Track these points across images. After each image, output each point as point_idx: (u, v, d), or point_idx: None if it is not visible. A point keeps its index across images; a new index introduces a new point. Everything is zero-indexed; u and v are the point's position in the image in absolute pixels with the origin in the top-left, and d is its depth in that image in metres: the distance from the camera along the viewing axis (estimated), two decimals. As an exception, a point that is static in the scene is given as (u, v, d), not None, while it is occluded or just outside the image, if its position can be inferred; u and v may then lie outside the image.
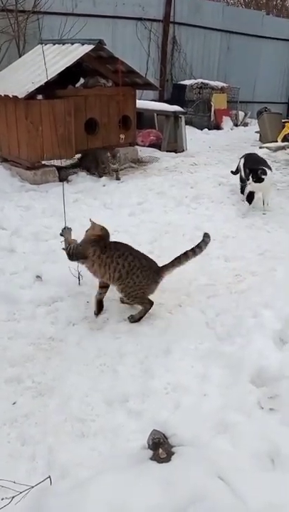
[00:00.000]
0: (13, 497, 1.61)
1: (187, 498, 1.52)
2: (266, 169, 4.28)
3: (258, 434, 1.84)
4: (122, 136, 5.83)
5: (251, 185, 4.27)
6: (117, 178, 5.37)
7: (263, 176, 4.22)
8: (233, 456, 1.76)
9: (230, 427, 1.90)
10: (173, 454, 1.76)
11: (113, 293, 2.97)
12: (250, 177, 4.23)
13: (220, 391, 2.13)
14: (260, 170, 4.23)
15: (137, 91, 6.10)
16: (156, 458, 1.74)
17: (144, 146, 6.97)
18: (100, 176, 5.39)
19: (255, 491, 1.57)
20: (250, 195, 4.35)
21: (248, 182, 4.27)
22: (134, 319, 2.71)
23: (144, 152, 6.58)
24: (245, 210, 4.39)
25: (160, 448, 1.77)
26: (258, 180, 4.21)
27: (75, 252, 2.77)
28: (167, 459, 1.73)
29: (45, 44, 5.68)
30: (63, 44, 5.46)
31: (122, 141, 5.85)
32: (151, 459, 1.74)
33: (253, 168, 4.29)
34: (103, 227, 2.78)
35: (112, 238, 2.83)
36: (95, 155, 5.49)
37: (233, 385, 2.15)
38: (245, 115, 10.74)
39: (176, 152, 6.97)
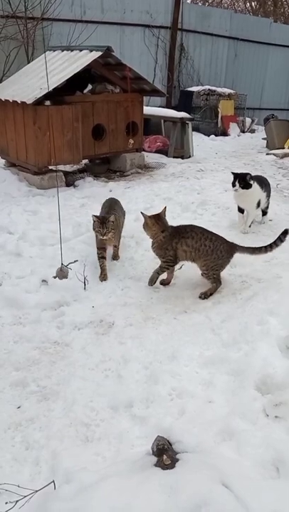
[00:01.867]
0: (17, 501, 1.62)
1: (191, 505, 1.51)
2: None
3: (262, 441, 1.83)
4: (131, 141, 5.85)
5: (237, 193, 3.77)
6: (102, 277, 3.23)
7: (252, 182, 3.68)
8: (237, 464, 1.75)
9: (235, 434, 1.89)
10: (177, 460, 1.75)
11: (115, 298, 2.98)
12: (236, 183, 3.66)
13: (225, 398, 2.13)
14: (249, 175, 3.70)
15: (144, 97, 6.13)
16: (161, 464, 1.73)
17: (150, 151, 7.00)
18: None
19: (259, 499, 1.56)
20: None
21: (233, 189, 3.75)
22: (206, 295, 3.00)
23: (150, 158, 6.60)
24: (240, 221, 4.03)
25: (164, 454, 1.76)
26: (246, 185, 3.66)
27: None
28: (171, 465, 1.72)
29: (54, 50, 5.74)
30: (72, 51, 5.51)
31: (131, 146, 5.88)
32: (155, 465, 1.74)
33: (242, 173, 3.72)
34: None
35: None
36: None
37: (239, 392, 2.14)
38: (252, 122, 10.76)
39: (182, 158, 6.99)
